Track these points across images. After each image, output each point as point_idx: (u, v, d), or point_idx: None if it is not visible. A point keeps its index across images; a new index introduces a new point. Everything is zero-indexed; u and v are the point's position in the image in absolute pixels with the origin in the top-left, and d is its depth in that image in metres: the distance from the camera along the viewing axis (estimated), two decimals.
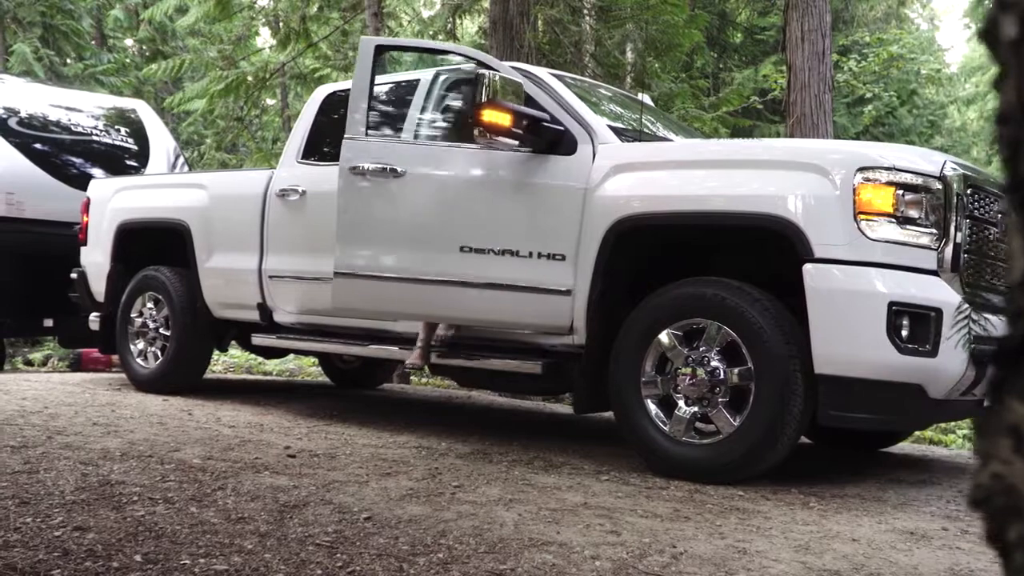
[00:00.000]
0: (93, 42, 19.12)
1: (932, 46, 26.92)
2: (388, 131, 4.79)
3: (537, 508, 3.05)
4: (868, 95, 17.75)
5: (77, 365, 10.33)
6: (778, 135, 14.35)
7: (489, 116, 3.90)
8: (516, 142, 4.07)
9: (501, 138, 4.00)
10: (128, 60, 19.32)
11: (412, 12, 17.26)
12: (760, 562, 2.55)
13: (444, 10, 14.51)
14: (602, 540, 2.70)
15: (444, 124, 4.72)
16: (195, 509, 2.85)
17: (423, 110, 4.74)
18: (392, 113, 5.00)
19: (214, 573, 2.29)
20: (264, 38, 19.53)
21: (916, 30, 26.28)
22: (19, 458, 3.40)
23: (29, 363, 12.37)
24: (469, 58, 4.49)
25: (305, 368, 10.78)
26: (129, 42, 21.82)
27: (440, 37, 18.60)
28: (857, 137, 17.52)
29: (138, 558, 2.37)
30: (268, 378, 9.19)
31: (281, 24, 13.57)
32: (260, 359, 11.10)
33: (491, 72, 3.95)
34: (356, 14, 12.26)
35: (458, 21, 14.35)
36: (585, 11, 8.79)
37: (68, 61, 18.12)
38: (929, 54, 24.52)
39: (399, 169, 4.22)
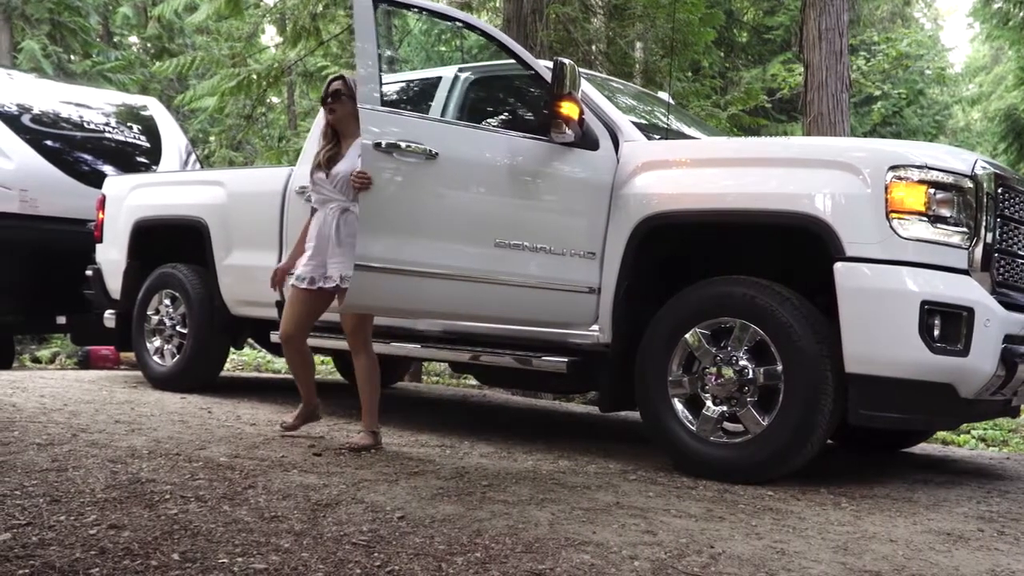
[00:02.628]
0: (99, 39, 19.10)
1: (936, 46, 26.88)
2: (412, 108, 4.55)
3: (570, 508, 3.03)
4: (877, 93, 17.71)
5: (85, 363, 10.33)
6: (785, 134, 14.33)
7: (567, 109, 3.77)
8: (573, 135, 3.89)
9: (568, 131, 3.84)
10: (134, 57, 19.28)
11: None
12: (800, 563, 2.54)
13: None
14: (639, 540, 2.69)
15: (482, 109, 4.59)
16: (228, 507, 2.83)
17: (448, 97, 4.72)
18: (420, 95, 4.93)
19: (253, 572, 2.28)
20: (269, 36, 19.51)
21: (920, 30, 26.24)
22: (46, 456, 3.38)
23: (36, 360, 12.37)
24: (487, 35, 4.34)
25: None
26: (134, 40, 21.79)
27: (446, 36, 18.59)
28: (865, 137, 17.46)
29: (176, 556, 2.35)
30: (281, 376, 9.18)
31: (288, 22, 13.54)
32: (269, 357, 11.12)
33: (570, 63, 3.78)
34: None
35: None
36: (599, 9, 8.77)
37: (72, 58, 18.09)
38: (934, 54, 24.48)
39: (432, 150, 3.72)
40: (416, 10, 4.29)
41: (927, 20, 30.47)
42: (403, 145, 3.63)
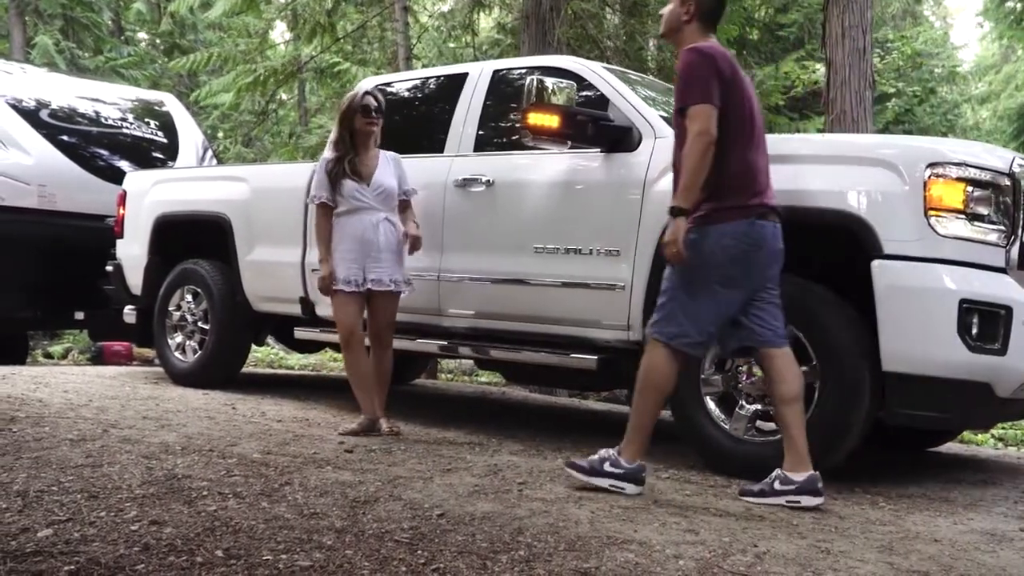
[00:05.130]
0: (111, 35, 19.10)
1: (946, 44, 26.76)
2: (485, 143, 4.82)
3: (609, 506, 3.02)
4: (891, 90, 17.64)
5: (99, 358, 10.32)
6: (797, 131, 14.26)
7: (535, 119, 3.95)
8: (567, 143, 4.11)
9: (551, 140, 4.06)
10: (145, 53, 19.29)
11: (431, 7, 17.19)
12: (846, 562, 2.51)
13: (464, 5, 14.44)
14: (681, 539, 2.67)
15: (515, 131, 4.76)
16: (266, 504, 2.82)
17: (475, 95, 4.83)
18: (449, 91, 5.02)
19: (299, 569, 2.26)
20: (279, 33, 19.48)
21: (930, 28, 26.13)
22: (80, 451, 3.37)
23: (49, 356, 12.36)
24: (567, 72, 4.48)
25: (327, 363, 10.78)
26: (143, 35, 21.78)
27: (457, 32, 18.56)
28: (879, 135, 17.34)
29: (220, 553, 2.34)
30: (298, 373, 9.17)
31: (300, 19, 13.53)
32: (282, 354, 11.12)
33: (536, 77, 4.02)
34: (382, 9, 12.22)
35: (477, 16, 14.27)
36: (616, 5, 8.74)
37: (85, 53, 18.08)
38: (945, 53, 24.39)
39: (491, 180, 4.53)
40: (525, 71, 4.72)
41: (936, 18, 30.35)
42: (473, 179, 4.61)
